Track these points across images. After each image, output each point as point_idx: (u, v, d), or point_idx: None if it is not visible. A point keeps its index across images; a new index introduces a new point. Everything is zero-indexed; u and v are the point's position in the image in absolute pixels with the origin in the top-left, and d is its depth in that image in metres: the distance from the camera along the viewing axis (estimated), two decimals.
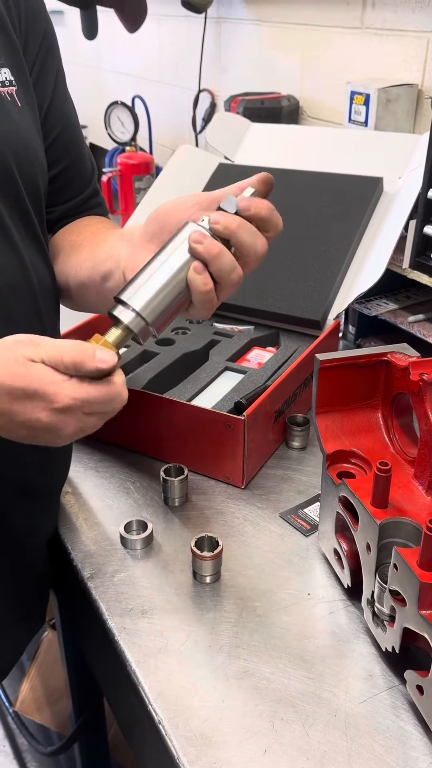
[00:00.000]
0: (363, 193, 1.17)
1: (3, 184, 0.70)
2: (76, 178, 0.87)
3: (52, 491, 0.85)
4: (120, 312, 0.61)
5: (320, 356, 0.72)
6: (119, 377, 0.60)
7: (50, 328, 0.78)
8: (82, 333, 1.06)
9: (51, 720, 1.41)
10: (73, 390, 0.58)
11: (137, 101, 2.04)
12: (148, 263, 0.64)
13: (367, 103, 1.30)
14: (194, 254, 0.63)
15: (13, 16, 0.74)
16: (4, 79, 0.72)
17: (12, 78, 0.73)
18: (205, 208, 0.68)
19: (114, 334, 0.61)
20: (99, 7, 1.68)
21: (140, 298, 0.61)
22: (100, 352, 0.58)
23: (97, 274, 0.75)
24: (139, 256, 0.69)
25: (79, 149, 0.87)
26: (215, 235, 0.64)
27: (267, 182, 0.68)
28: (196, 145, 1.95)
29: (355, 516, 0.67)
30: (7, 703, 1.53)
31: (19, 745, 1.63)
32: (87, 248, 0.79)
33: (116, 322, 0.62)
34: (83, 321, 1.06)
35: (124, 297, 0.61)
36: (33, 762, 1.58)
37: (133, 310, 0.61)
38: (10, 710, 1.50)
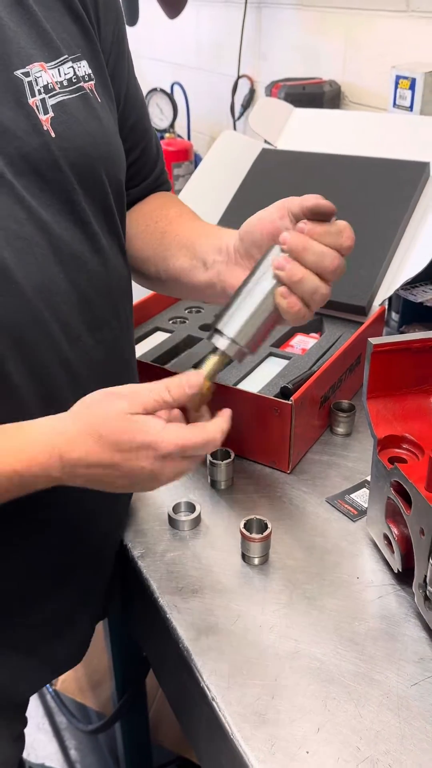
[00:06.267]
0: (409, 178, 1.16)
1: (91, 188, 0.68)
2: (147, 161, 0.87)
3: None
4: (217, 340, 0.68)
5: (373, 340, 0.71)
6: (214, 423, 0.63)
7: (126, 327, 0.77)
8: (141, 310, 1.10)
9: (91, 700, 1.43)
10: (176, 435, 0.60)
11: (176, 88, 2.04)
12: (239, 290, 0.69)
13: (413, 87, 1.28)
14: (278, 280, 0.66)
15: (87, 4, 0.70)
16: (84, 73, 0.67)
17: (90, 71, 0.68)
18: (290, 214, 0.69)
19: (212, 362, 0.67)
20: None
21: (233, 326, 0.67)
22: (185, 377, 0.62)
23: (198, 279, 0.78)
24: (235, 272, 0.73)
25: (149, 132, 0.86)
26: None
27: (316, 211, 0.67)
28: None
29: (407, 501, 0.67)
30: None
31: (57, 723, 1.66)
32: (174, 244, 0.80)
33: (214, 349, 0.68)
34: (140, 300, 1.09)
35: (219, 326, 0.68)
36: (72, 740, 1.61)
37: (228, 337, 0.67)
38: (50, 689, 1.54)
